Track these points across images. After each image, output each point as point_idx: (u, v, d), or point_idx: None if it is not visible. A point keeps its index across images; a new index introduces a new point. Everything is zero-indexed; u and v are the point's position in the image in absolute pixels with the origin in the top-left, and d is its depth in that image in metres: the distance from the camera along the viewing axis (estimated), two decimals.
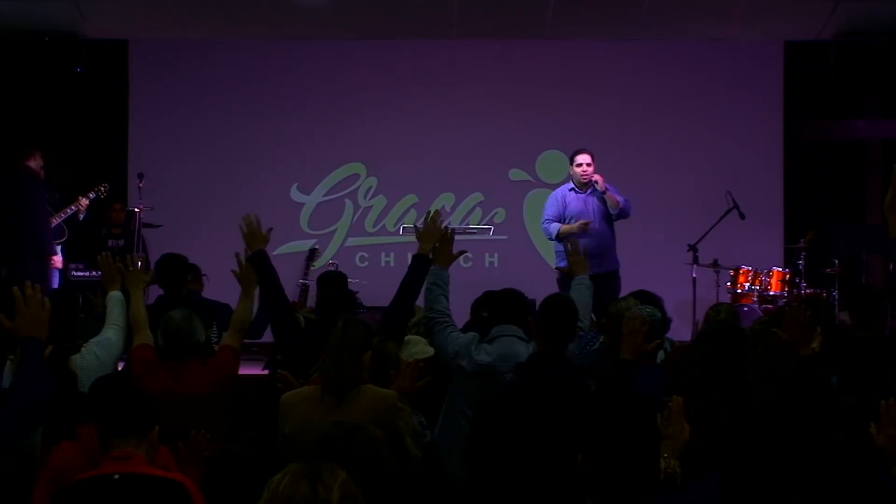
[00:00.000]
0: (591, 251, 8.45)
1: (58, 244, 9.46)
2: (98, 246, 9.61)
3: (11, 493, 3.84)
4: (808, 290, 9.48)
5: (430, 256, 5.57)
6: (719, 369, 4.23)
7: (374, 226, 10.94)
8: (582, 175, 8.70)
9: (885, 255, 9.79)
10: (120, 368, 5.76)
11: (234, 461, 3.64)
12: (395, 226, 10.73)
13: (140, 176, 9.83)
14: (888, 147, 10.96)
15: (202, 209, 10.68)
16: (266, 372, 7.13)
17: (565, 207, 8.73)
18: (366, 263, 10.85)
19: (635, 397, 3.84)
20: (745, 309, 9.07)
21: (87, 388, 4.66)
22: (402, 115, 10.87)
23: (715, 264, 9.71)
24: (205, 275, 8.10)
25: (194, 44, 11.00)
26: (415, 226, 5.86)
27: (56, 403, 3.92)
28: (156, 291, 6.88)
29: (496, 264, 10.89)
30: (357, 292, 8.67)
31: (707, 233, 9.52)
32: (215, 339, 6.35)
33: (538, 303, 4.81)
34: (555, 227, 8.68)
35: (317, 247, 10.72)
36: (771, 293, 9.49)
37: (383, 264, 10.85)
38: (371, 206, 10.96)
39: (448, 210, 10.84)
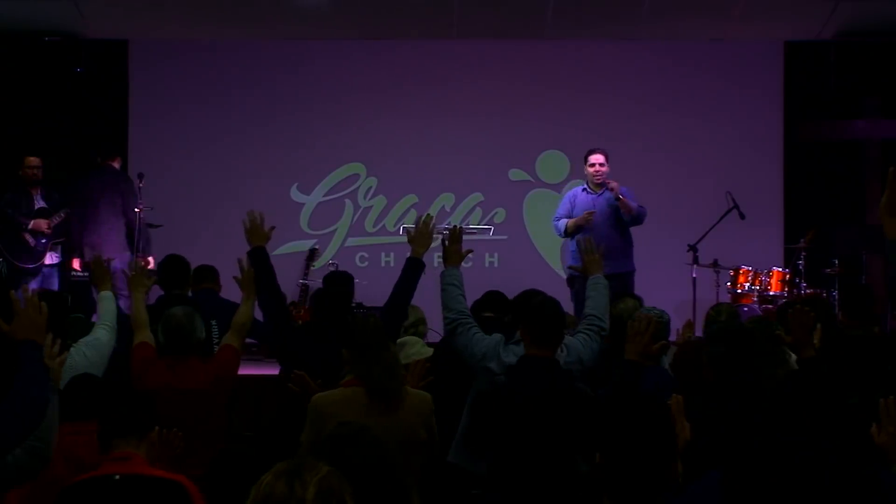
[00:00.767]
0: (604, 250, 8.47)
1: (57, 244, 9.47)
2: None
3: None
4: (808, 291, 9.48)
5: (425, 260, 5.56)
6: (730, 369, 4.24)
7: (374, 226, 10.94)
8: (594, 175, 8.69)
9: (885, 257, 9.79)
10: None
11: (234, 461, 3.64)
12: (395, 226, 10.72)
13: (140, 176, 9.82)
14: (888, 147, 10.95)
15: (202, 209, 10.68)
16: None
17: (573, 206, 8.75)
18: (366, 263, 10.85)
19: (653, 398, 3.85)
20: (745, 309, 9.07)
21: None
22: (402, 115, 10.87)
23: (715, 264, 9.71)
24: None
25: (194, 44, 11.00)
26: (407, 230, 5.84)
27: None
28: (155, 292, 6.88)
29: (496, 264, 10.88)
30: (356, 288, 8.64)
31: (707, 233, 9.52)
32: (216, 340, 6.35)
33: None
34: (562, 223, 8.71)
35: (317, 247, 10.72)
36: (771, 293, 9.49)
37: (383, 264, 10.85)
38: (371, 206, 10.96)
39: (448, 210, 10.85)
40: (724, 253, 9.73)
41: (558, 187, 10.92)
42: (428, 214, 5.84)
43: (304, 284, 10.21)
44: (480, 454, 4.54)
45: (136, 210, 9.32)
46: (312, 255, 10.60)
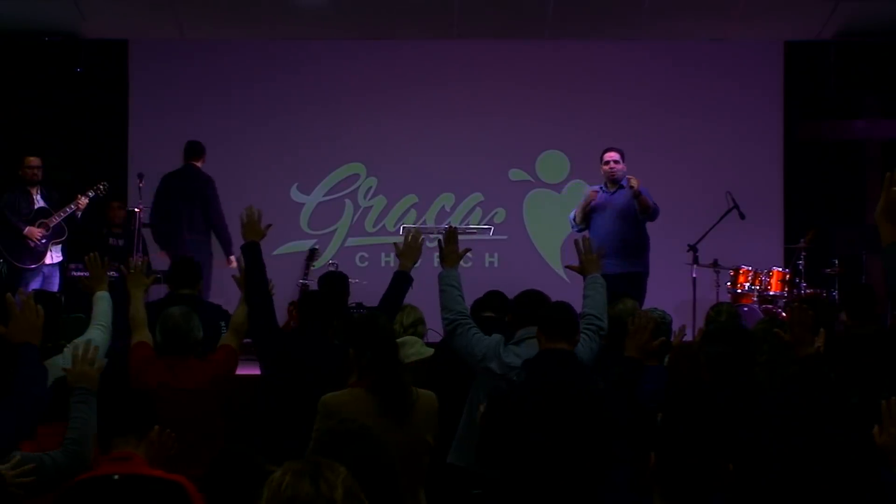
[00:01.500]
0: (604, 250, 8.48)
1: (58, 243, 9.47)
2: (98, 245, 9.59)
3: None
4: (808, 291, 9.47)
5: (412, 275, 5.57)
6: (727, 369, 4.23)
7: (374, 226, 10.94)
8: (609, 172, 8.70)
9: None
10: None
11: (234, 461, 3.64)
12: (395, 226, 10.72)
13: (140, 176, 9.82)
14: (888, 147, 10.96)
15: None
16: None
17: (589, 203, 8.77)
18: (366, 263, 10.84)
19: (710, 398, 3.83)
20: (745, 309, 9.06)
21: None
22: (402, 115, 10.86)
23: (715, 264, 9.71)
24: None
25: (194, 44, 10.99)
26: (395, 245, 5.84)
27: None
28: (156, 292, 6.88)
29: (496, 264, 10.88)
30: (356, 288, 8.64)
31: (707, 233, 9.51)
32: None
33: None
34: (571, 214, 8.74)
35: (317, 247, 10.72)
36: (771, 293, 9.48)
37: (383, 264, 10.84)
38: (371, 206, 10.96)
39: (448, 210, 10.85)
40: (724, 253, 9.73)
41: (558, 187, 10.93)
42: (417, 229, 5.85)
43: (304, 284, 10.20)
44: (496, 461, 4.53)
45: (217, 211, 9.49)
46: (312, 255, 10.60)
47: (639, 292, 8.24)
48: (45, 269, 9.44)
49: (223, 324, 6.23)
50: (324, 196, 10.97)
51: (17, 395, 3.57)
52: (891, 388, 3.94)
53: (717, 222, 9.55)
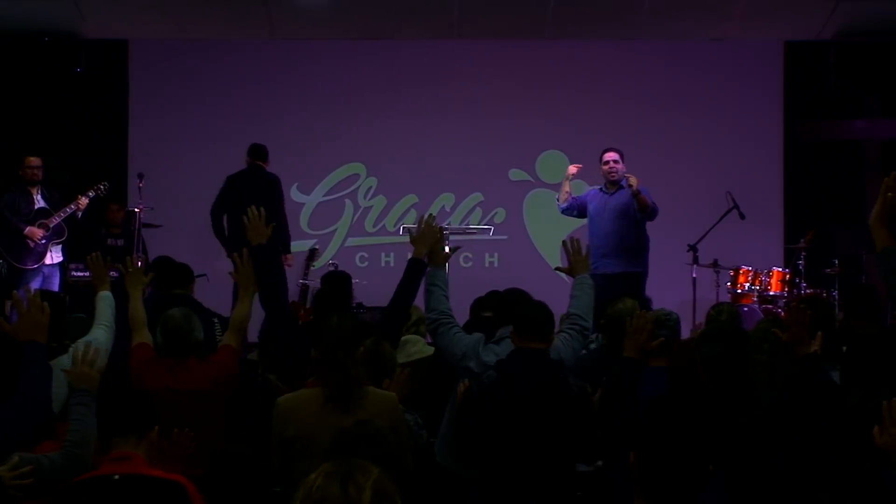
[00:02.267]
0: (604, 250, 8.49)
1: (58, 243, 9.47)
2: (98, 246, 9.58)
3: None
4: (808, 290, 9.47)
5: (426, 259, 5.54)
6: (723, 370, 4.23)
7: (374, 226, 10.94)
8: (609, 173, 8.71)
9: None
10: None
11: (234, 461, 3.64)
12: (395, 226, 10.72)
13: (140, 176, 9.82)
14: (888, 147, 10.96)
15: (202, 209, 10.64)
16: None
17: (586, 201, 8.79)
18: (366, 263, 10.85)
19: (695, 397, 3.83)
20: (745, 309, 9.06)
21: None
22: (402, 116, 10.87)
23: (715, 264, 9.71)
24: (204, 274, 8.09)
25: (194, 44, 10.99)
26: (409, 230, 5.81)
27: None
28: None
29: (496, 264, 10.89)
30: (356, 288, 8.64)
31: (707, 233, 9.52)
32: (220, 337, 6.33)
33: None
34: (557, 195, 8.89)
35: (317, 247, 10.72)
36: (771, 293, 9.48)
37: (383, 264, 10.85)
38: (371, 206, 10.96)
39: (448, 210, 10.85)
40: (724, 253, 9.73)
41: (558, 187, 10.90)
42: (430, 214, 5.81)
43: (304, 284, 10.20)
44: (472, 460, 4.53)
45: (279, 210, 9.31)
46: (312, 255, 10.60)
47: (638, 292, 8.24)
48: (45, 269, 9.44)
49: (216, 320, 6.24)
50: (324, 196, 10.97)
51: (23, 392, 3.57)
52: (892, 388, 3.94)
53: (717, 222, 9.56)
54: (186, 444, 4.22)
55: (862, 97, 11.01)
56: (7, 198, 9.41)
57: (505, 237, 10.80)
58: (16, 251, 9.29)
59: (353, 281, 7.21)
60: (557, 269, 5.77)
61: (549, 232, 10.73)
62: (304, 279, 10.30)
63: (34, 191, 9.48)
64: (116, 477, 3.59)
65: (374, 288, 9.54)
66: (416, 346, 6.00)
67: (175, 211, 10.52)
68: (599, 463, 4.75)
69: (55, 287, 9.37)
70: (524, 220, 10.95)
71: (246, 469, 3.72)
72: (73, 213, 9.41)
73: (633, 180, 8.49)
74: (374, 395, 4.39)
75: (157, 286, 6.60)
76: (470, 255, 10.76)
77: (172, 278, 6.55)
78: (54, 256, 9.47)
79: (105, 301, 5.51)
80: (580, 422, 4.35)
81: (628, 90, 10.87)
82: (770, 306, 9.39)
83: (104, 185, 9.64)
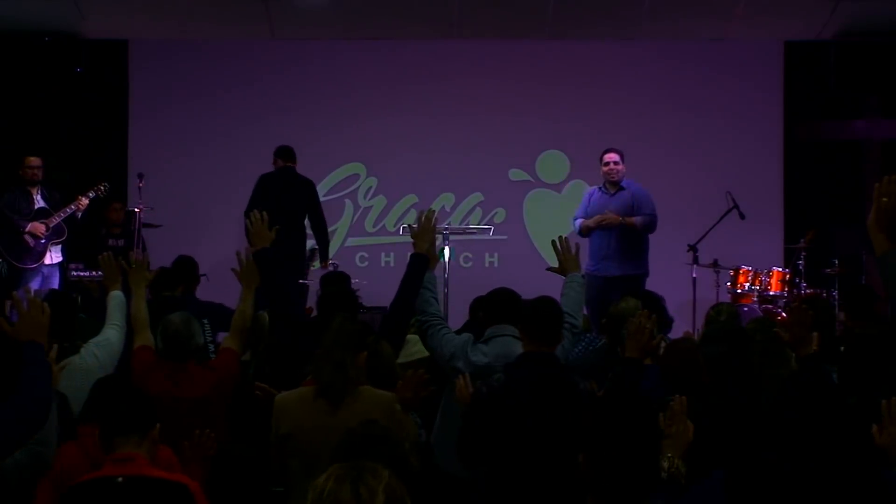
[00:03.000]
0: (604, 252, 8.49)
1: (57, 244, 9.46)
2: (98, 246, 9.61)
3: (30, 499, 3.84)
4: (808, 290, 9.47)
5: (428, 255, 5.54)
6: (726, 370, 4.23)
7: (374, 226, 10.94)
8: (609, 174, 8.70)
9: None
10: None
11: (234, 462, 3.64)
12: (395, 226, 10.72)
13: (140, 176, 9.82)
14: (888, 147, 10.96)
15: (202, 209, 10.68)
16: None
17: (589, 206, 8.78)
18: (366, 263, 10.85)
19: (637, 397, 3.84)
20: (745, 309, 9.06)
21: (85, 388, 4.64)
22: (402, 115, 10.87)
23: (715, 264, 9.71)
24: (204, 274, 8.12)
25: (194, 44, 10.99)
26: (409, 226, 5.82)
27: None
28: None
29: (496, 264, 10.89)
30: (357, 289, 8.64)
31: (707, 233, 9.51)
32: (210, 339, 6.34)
33: None
34: (578, 223, 8.74)
35: (317, 247, 10.70)
36: (771, 293, 9.48)
37: (383, 264, 10.85)
38: (371, 206, 10.96)
39: (448, 210, 10.85)
40: (724, 253, 9.73)
41: (558, 187, 10.94)
42: (430, 209, 5.82)
43: (304, 284, 10.18)
44: (477, 462, 4.54)
45: (322, 213, 9.39)
46: (312, 255, 10.58)
47: (637, 295, 8.24)
48: (45, 269, 9.43)
49: (206, 321, 6.23)
50: (324, 196, 10.94)
51: (23, 392, 3.56)
52: (890, 387, 3.94)
53: (717, 222, 9.55)
54: (209, 446, 4.22)
55: (862, 97, 11.01)
56: (7, 197, 9.41)
57: (505, 237, 10.80)
58: (15, 251, 9.29)
59: (353, 281, 7.23)
60: (549, 269, 5.76)
61: (549, 232, 10.58)
62: (303, 279, 10.29)
63: (34, 191, 9.48)
64: (120, 479, 3.58)
65: (374, 288, 9.55)
66: (416, 347, 5.99)
67: (175, 211, 10.52)
68: None
69: (55, 287, 9.36)
70: (524, 220, 10.95)
71: (246, 469, 3.72)
72: (73, 214, 9.41)
73: (610, 219, 8.49)
74: (368, 394, 4.38)
75: (152, 288, 6.62)
76: (470, 255, 10.75)
77: (162, 281, 6.57)
78: (53, 256, 9.47)
79: (116, 301, 5.52)
80: (588, 424, 4.35)
81: (628, 90, 10.87)
82: (770, 306, 9.39)
83: (104, 186, 9.64)
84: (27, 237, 9.30)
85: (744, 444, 3.79)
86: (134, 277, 5.63)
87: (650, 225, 8.66)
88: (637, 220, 8.59)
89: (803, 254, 9.69)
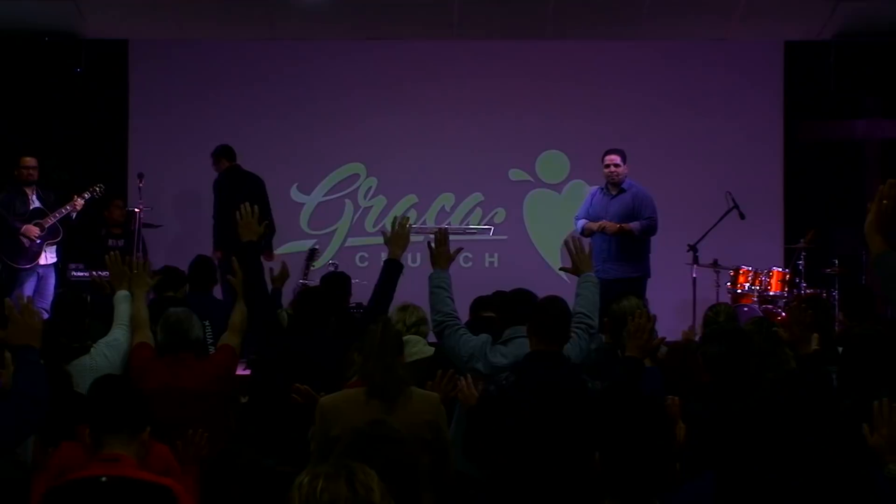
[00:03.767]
0: (605, 255, 8.48)
1: (53, 244, 9.45)
2: (98, 246, 9.61)
3: (6, 499, 3.83)
4: (808, 291, 9.47)
5: (402, 262, 5.58)
6: (726, 370, 4.23)
7: (374, 226, 10.93)
8: (610, 175, 8.70)
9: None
10: None
11: (233, 461, 3.64)
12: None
13: (140, 176, 9.83)
14: (888, 147, 10.96)
15: (202, 209, 10.66)
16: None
17: (590, 206, 8.78)
18: (366, 263, 10.84)
19: (651, 397, 3.83)
20: (745, 309, 9.07)
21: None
22: (402, 115, 10.86)
23: (715, 264, 9.71)
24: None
25: (194, 44, 10.99)
26: (383, 232, 5.85)
27: (53, 405, 3.92)
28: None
29: (496, 264, 10.88)
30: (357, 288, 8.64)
31: (707, 233, 9.51)
32: (210, 340, 6.35)
33: None
34: (580, 224, 8.74)
35: (317, 247, 10.71)
36: (771, 293, 9.48)
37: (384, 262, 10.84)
38: (371, 206, 10.96)
39: (448, 210, 10.85)
40: (724, 253, 9.73)
41: (558, 187, 10.94)
42: (405, 216, 5.87)
43: (304, 285, 10.19)
44: (483, 461, 4.55)
45: (267, 209, 9.32)
46: (312, 255, 10.59)
47: (639, 296, 8.23)
48: (40, 270, 9.42)
49: (207, 323, 6.25)
50: (324, 196, 10.97)
51: (17, 396, 3.57)
52: (888, 387, 3.94)
53: (717, 222, 9.55)
54: (202, 445, 4.22)
55: (862, 97, 11.01)
56: (3, 197, 9.41)
57: (505, 237, 10.80)
58: (10, 251, 9.28)
59: (353, 281, 7.24)
60: (562, 269, 5.77)
61: (549, 232, 10.73)
62: (303, 279, 10.30)
63: (30, 191, 9.48)
64: (104, 479, 3.56)
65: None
66: (416, 347, 5.99)
67: (175, 211, 10.52)
68: None
69: (51, 288, 9.36)
70: (524, 220, 10.94)
71: (246, 469, 3.71)
72: (68, 215, 9.41)
73: (606, 226, 8.50)
74: (418, 394, 4.46)
75: (155, 289, 6.63)
76: (470, 255, 10.75)
77: (164, 283, 6.59)
78: (48, 257, 9.46)
79: (123, 301, 5.54)
80: (595, 424, 4.35)
81: (628, 90, 10.86)
82: (770, 306, 9.39)
83: (100, 188, 9.64)
84: (22, 238, 9.30)
85: (741, 444, 3.79)
86: (135, 281, 5.65)
87: (649, 229, 8.67)
88: (634, 226, 8.59)
89: (803, 254, 9.69)
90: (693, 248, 9.56)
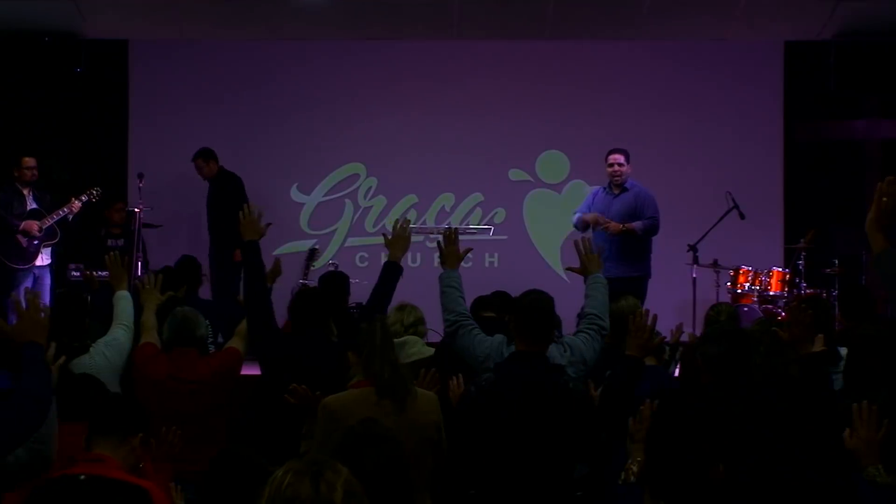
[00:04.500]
0: (606, 254, 8.49)
1: (49, 245, 9.45)
2: (98, 246, 9.62)
3: None
4: (807, 291, 9.47)
5: (402, 264, 5.58)
6: (726, 371, 4.23)
7: (374, 226, 10.93)
8: (613, 175, 8.72)
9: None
10: None
11: (233, 461, 3.64)
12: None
13: (140, 176, 9.83)
14: (888, 147, 10.96)
15: (202, 209, 10.66)
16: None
17: (592, 205, 8.78)
18: (366, 263, 10.84)
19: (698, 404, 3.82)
20: (745, 309, 9.06)
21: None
22: (402, 116, 10.87)
23: (715, 264, 9.71)
24: (204, 274, 8.14)
25: (194, 44, 10.99)
26: (384, 234, 5.86)
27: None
28: None
29: (496, 264, 10.88)
30: (357, 288, 8.65)
31: (707, 233, 9.51)
32: (211, 340, 6.36)
33: None
34: (577, 216, 8.76)
35: (317, 247, 10.72)
36: (771, 293, 9.48)
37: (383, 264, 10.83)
38: (371, 206, 10.96)
39: (448, 210, 10.85)
40: (724, 253, 9.73)
41: (558, 187, 10.93)
42: (405, 219, 5.86)
43: (303, 284, 10.19)
44: (467, 457, 4.55)
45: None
46: (312, 255, 10.60)
47: (639, 296, 8.24)
48: (36, 270, 9.43)
49: (207, 322, 6.27)
50: (324, 196, 10.97)
51: (21, 393, 3.57)
52: (890, 388, 3.94)
53: (717, 222, 9.55)
54: (175, 443, 4.22)
55: (862, 97, 11.01)
56: (1, 197, 9.40)
57: (505, 237, 10.80)
58: (8, 251, 9.28)
59: (353, 281, 7.24)
60: (568, 269, 5.76)
61: (549, 232, 10.74)
62: (303, 279, 10.30)
63: (27, 192, 9.48)
64: (82, 477, 3.57)
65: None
66: (415, 348, 5.98)
67: (175, 211, 10.52)
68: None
69: (47, 288, 9.36)
70: (524, 220, 10.94)
71: (246, 469, 3.71)
72: (66, 217, 9.41)
73: (612, 228, 8.51)
74: (421, 393, 4.47)
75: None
76: (470, 255, 10.57)
77: (168, 281, 6.60)
78: (44, 258, 9.46)
79: (124, 301, 5.56)
80: (579, 424, 4.34)
81: (628, 90, 10.86)
82: (770, 306, 9.39)
83: (97, 191, 9.63)
84: (20, 237, 9.29)
85: (744, 445, 3.79)
86: (146, 297, 5.69)
87: (651, 229, 8.69)
88: (637, 225, 8.61)
89: (803, 254, 9.69)
90: (693, 248, 9.56)
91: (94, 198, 9.62)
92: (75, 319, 5.51)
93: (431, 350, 5.94)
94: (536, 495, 4.26)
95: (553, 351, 4.76)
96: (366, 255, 10.92)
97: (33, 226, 9.31)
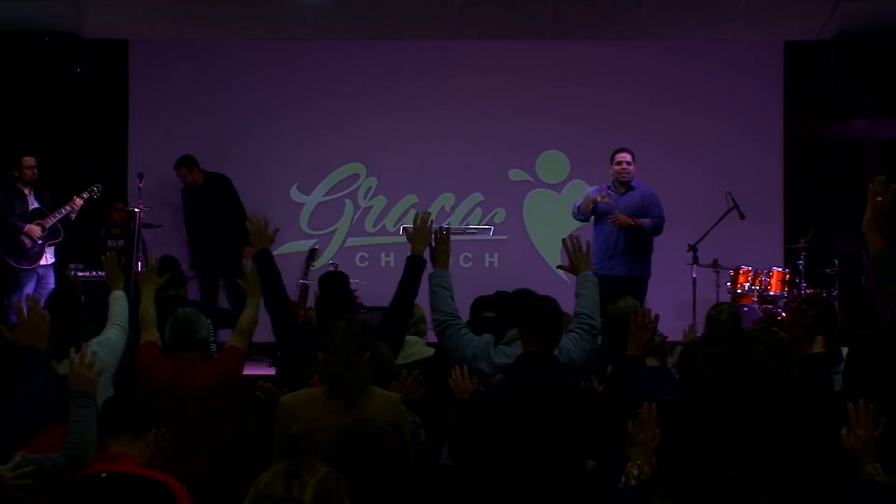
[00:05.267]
0: (609, 252, 8.50)
1: (52, 245, 9.45)
2: (98, 246, 9.61)
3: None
4: (807, 291, 9.47)
5: (426, 257, 5.55)
6: (726, 371, 4.23)
7: (374, 226, 10.93)
8: (620, 173, 8.74)
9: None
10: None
11: (233, 461, 3.64)
12: (395, 226, 10.71)
13: (140, 176, 9.82)
14: (888, 147, 10.95)
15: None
16: (273, 371, 7.11)
17: (597, 202, 8.78)
18: (366, 263, 10.84)
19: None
20: (745, 309, 9.07)
21: None
22: (401, 116, 10.86)
23: (715, 264, 9.71)
24: (193, 276, 8.13)
25: (194, 44, 10.99)
26: (406, 229, 5.85)
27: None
28: None
29: (496, 264, 10.88)
30: (356, 290, 8.65)
31: (707, 233, 9.52)
32: (213, 338, 6.36)
33: None
34: (576, 204, 8.79)
35: (317, 247, 10.71)
36: (771, 293, 9.48)
37: (383, 264, 10.85)
38: (371, 206, 10.96)
39: (448, 210, 10.84)
40: (724, 253, 9.74)
41: (558, 187, 10.93)
42: (426, 212, 5.83)
43: (304, 284, 10.20)
44: (468, 458, 4.55)
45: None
46: (312, 255, 10.60)
47: (639, 295, 8.25)
48: (40, 270, 9.43)
49: (208, 321, 6.26)
50: (324, 196, 10.97)
51: (22, 398, 3.58)
52: (891, 389, 3.94)
53: (717, 222, 9.56)
54: (163, 446, 4.22)
55: (862, 97, 11.01)
56: (2, 197, 9.40)
57: (505, 237, 10.80)
58: (12, 251, 9.28)
59: (353, 281, 7.23)
60: (559, 267, 5.75)
61: (549, 232, 10.72)
62: (303, 279, 10.30)
63: (27, 191, 9.48)
64: (103, 475, 3.59)
65: (374, 288, 9.56)
66: (415, 348, 6.00)
67: (175, 211, 10.51)
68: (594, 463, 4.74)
69: (50, 287, 9.35)
70: (524, 220, 10.94)
71: (246, 469, 3.71)
72: (68, 215, 9.41)
73: (620, 220, 8.53)
74: (378, 395, 4.43)
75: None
76: (470, 255, 10.75)
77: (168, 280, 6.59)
78: (47, 258, 9.47)
79: (119, 301, 5.55)
80: (588, 424, 4.35)
81: (628, 90, 10.86)
82: (770, 306, 9.39)
83: (97, 188, 9.63)
84: (24, 238, 9.29)
85: (744, 445, 3.79)
86: (144, 280, 5.66)
87: (657, 228, 8.72)
88: (646, 222, 8.63)
89: (803, 254, 9.69)
90: (693, 248, 9.57)
91: (96, 194, 9.62)
92: (68, 319, 5.50)
93: (431, 350, 5.95)
94: (548, 491, 4.27)
95: None
96: (366, 255, 10.92)
97: (35, 230, 9.30)
